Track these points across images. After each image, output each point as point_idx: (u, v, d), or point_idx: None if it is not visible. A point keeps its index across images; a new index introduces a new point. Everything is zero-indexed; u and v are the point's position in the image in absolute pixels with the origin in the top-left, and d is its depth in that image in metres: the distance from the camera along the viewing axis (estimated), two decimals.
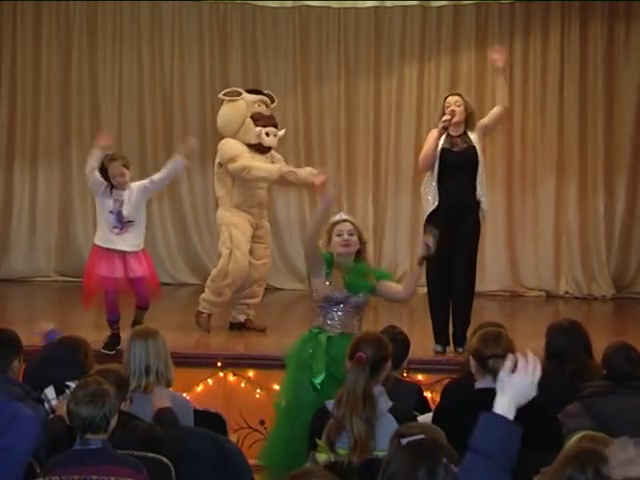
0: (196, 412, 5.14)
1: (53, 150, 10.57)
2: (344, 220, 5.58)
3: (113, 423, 4.02)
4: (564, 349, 5.35)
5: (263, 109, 8.17)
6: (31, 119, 10.56)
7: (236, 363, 7.11)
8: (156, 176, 7.38)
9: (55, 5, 10.48)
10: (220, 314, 8.30)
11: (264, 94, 8.36)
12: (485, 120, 7.52)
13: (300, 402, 5.31)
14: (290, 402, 5.42)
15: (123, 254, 7.20)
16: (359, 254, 5.59)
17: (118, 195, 7.17)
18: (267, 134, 8.06)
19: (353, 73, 10.50)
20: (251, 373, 7.08)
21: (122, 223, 7.18)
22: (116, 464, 3.98)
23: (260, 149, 8.06)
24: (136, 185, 7.28)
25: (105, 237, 7.24)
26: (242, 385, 7.08)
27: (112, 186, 7.17)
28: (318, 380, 5.35)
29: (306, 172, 7.94)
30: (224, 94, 8.36)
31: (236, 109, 8.21)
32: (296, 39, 10.49)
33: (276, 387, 6.16)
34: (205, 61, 10.55)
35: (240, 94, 8.28)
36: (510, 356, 2.91)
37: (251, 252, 8.16)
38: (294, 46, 10.49)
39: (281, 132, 8.30)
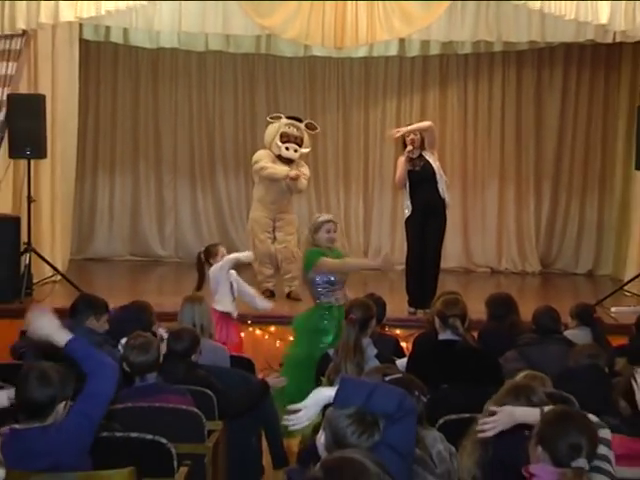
0: (232, 357, 5.14)
1: (126, 164, 10.51)
2: (331, 220, 5.65)
3: (160, 361, 4.05)
4: (500, 312, 5.36)
5: (292, 130, 8.09)
6: (110, 142, 10.50)
7: (261, 321, 7.10)
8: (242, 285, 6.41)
9: (127, 57, 10.42)
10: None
11: (300, 120, 8.27)
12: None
13: (311, 357, 5.27)
14: (301, 357, 5.37)
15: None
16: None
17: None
18: (287, 148, 8.02)
19: (348, 106, 10.44)
20: (272, 328, 7.07)
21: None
22: (168, 393, 4.00)
23: (282, 159, 8.02)
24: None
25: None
26: (266, 337, 7.09)
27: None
28: (330, 339, 5.36)
29: (302, 184, 8.03)
30: (269, 117, 8.36)
31: (272, 128, 8.20)
32: (306, 80, 10.42)
33: (291, 338, 6.13)
34: (238, 98, 10.47)
35: (280, 118, 8.24)
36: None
37: (275, 239, 8.10)
38: (304, 85, 10.42)
39: (305, 150, 8.17)
